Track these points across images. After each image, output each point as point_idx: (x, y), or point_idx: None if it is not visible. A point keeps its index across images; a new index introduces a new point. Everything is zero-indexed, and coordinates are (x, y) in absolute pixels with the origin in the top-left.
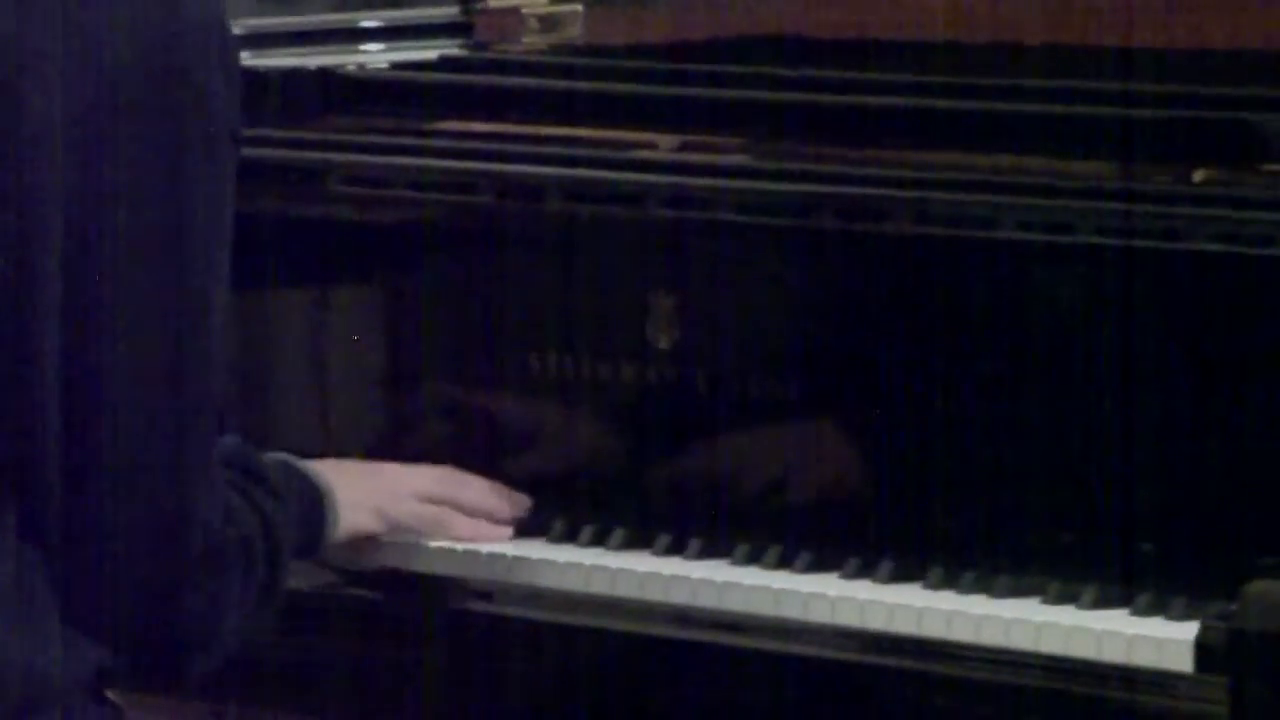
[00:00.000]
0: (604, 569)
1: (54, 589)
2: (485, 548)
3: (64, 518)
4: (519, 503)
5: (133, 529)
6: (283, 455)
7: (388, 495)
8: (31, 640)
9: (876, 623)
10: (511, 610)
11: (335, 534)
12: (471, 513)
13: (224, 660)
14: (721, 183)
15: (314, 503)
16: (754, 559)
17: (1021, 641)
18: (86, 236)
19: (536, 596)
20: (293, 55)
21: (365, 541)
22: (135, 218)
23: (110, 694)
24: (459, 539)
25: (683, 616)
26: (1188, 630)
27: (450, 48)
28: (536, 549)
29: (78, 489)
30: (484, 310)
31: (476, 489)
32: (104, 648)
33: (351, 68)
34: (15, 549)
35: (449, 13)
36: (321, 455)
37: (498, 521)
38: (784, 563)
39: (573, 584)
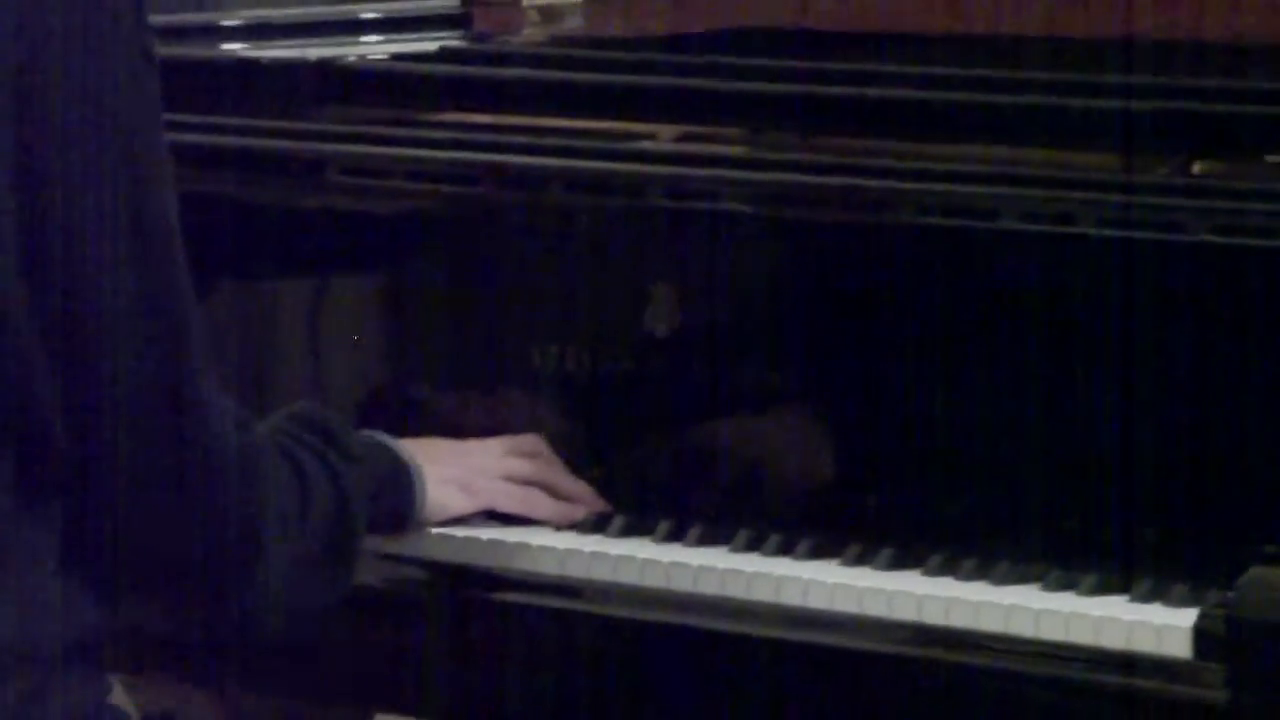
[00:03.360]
0: (604, 556)
1: (47, 549)
2: (485, 533)
3: (64, 461)
4: (589, 495)
5: (134, 450)
6: (370, 431)
7: (477, 473)
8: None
9: (876, 609)
10: (513, 598)
11: (422, 511)
12: (557, 493)
13: (294, 619)
14: (721, 173)
15: (398, 476)
16: (754, 546)
17: (1020, 628)
18: (35, 167)
19: (538, 583)
20: (292, 46)
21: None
22: (80, 143)
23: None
24: (545, 520)
25: (683, 603)
26: (1187, 617)
27: (450, 39)
28: (538, 535)
29: (74, 429)
30: (484, 301)
31: (560, 469)
32: (99, 612)
33: (351, 59)
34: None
35: (449, 4)
36: None
37: (579, 504)
38: (784, 550)
39: (574, 571)
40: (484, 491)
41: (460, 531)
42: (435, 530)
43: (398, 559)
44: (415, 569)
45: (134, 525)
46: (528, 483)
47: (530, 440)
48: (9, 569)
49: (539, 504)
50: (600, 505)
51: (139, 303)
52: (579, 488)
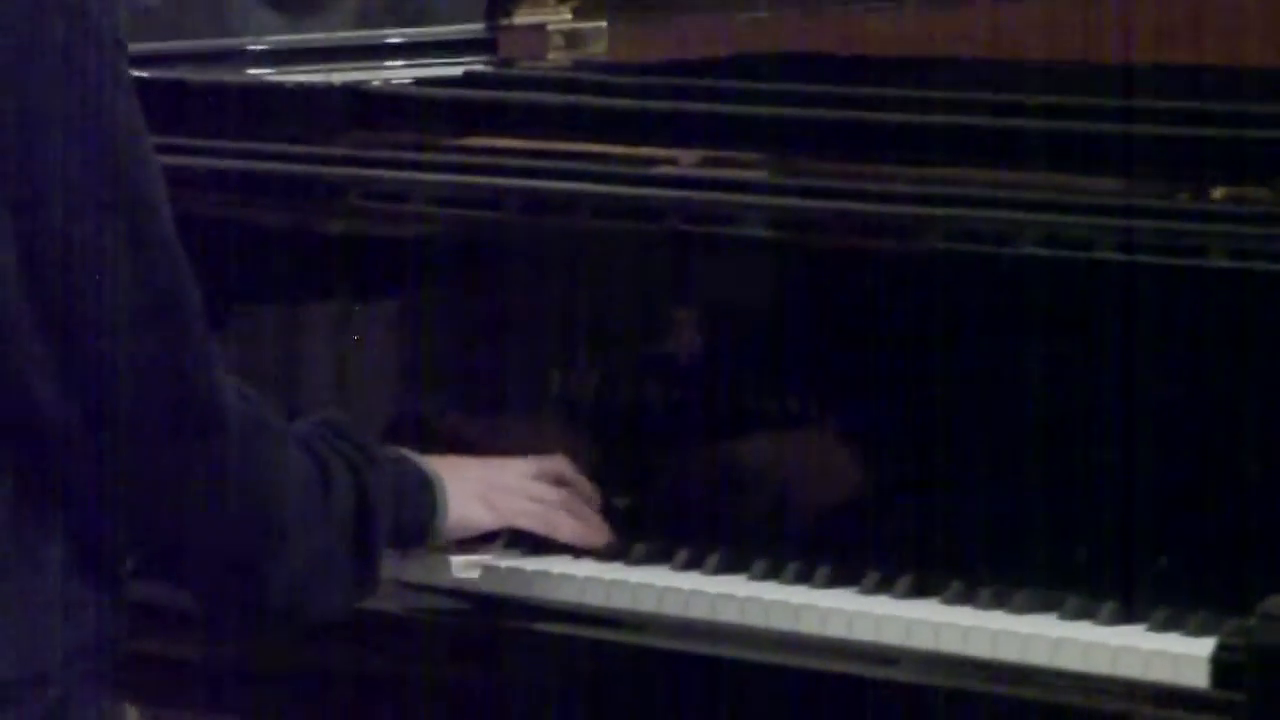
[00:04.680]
0: (624, 584)
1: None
2: (504, 561)
3: (70, 458)
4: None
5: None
6: (394, 447)
7: (499, 489)
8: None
9: (894, 637)
10: (533, 625)
11: (445, 522)
12: (579, 515)
13: (314, 617)
14: (744, 198)
15: (421, 487)
16: (772, 574)
17: (1039, 657)
18: (20, 169)
19: (557, 610)
20: (318, 71)
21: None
22: (59, 138)
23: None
24: (566, 540)
25: (702, 631)
26: (1204, 646)
27: (475, 64)
28: (557, 564)
29: (82, 419)
30: (505, 325)
31: (584, 493)
32: (110, 625)
33: (376, 84)
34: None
35: (474, 29)
36: None
37: (602, 529)
38: (802, 577)
39: (593, 599)
40: (507, 508)
41: (479, 559)
42: (454, 558)
43: (418, 587)
44: (434, 596)
45: (152, 504)
46: (551, 503)
47: (557, 462)
48: (11, 585)
49: (561, 525)
50: (622, 531)
51: (138, 292)
52: (599, 507)
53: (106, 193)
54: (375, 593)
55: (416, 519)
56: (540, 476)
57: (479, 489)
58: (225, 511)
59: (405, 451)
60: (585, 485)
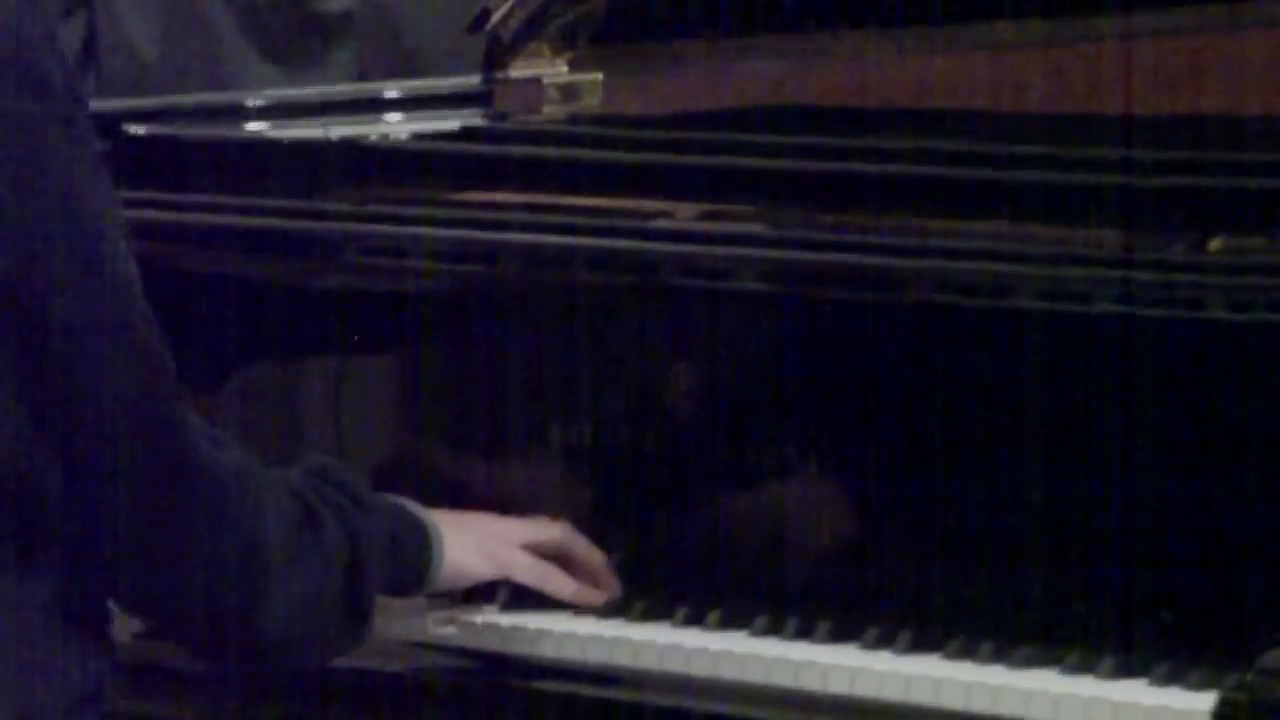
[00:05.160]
0: (625, 640)
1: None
2: (506, 619)
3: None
4: (611, 581)
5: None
6: (391, 495)
7: (497, 541)
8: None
9: (895, 694)
10: (534, 684)
11: (441, 571)
12: (578, 575)
13: (308, 661)
14: (740, 251)
15: (416, 536)
16: (773, 630)
17: (1040, 712)
18: None
19: (558, 668)
20: (314, 126)
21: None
22: (16, 208)
23: None
24: (563, 597)
25: (703, 688)
26: (1206, 701)
27: (471, 118)
28: (558, 621)
29: (65, 471)
30: (503, 380)
31: (588, 556)
32: (98, 666)
33: (373, 138)
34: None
35: (470, 83)
36: None
37: (600, 587)
38: (803, 633)
39: (595, 655)
40: (504, 559)
41: (480, 617)
42: (456, 615)
43: (420, 645)
44: (436, 654)
45: (132, 552)
46: (550, 558)
47: (559, 526)
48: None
49: (558, 580)
50: (620, 589)
51: (107, 345)
52: (601, 571)
53: (65, 256)
54: (369, 637)
55: (412, 566)
56: (540, 534)
57: (476, 539)
58: (204, 558)
59: (402, 500)
60: (586, 547)
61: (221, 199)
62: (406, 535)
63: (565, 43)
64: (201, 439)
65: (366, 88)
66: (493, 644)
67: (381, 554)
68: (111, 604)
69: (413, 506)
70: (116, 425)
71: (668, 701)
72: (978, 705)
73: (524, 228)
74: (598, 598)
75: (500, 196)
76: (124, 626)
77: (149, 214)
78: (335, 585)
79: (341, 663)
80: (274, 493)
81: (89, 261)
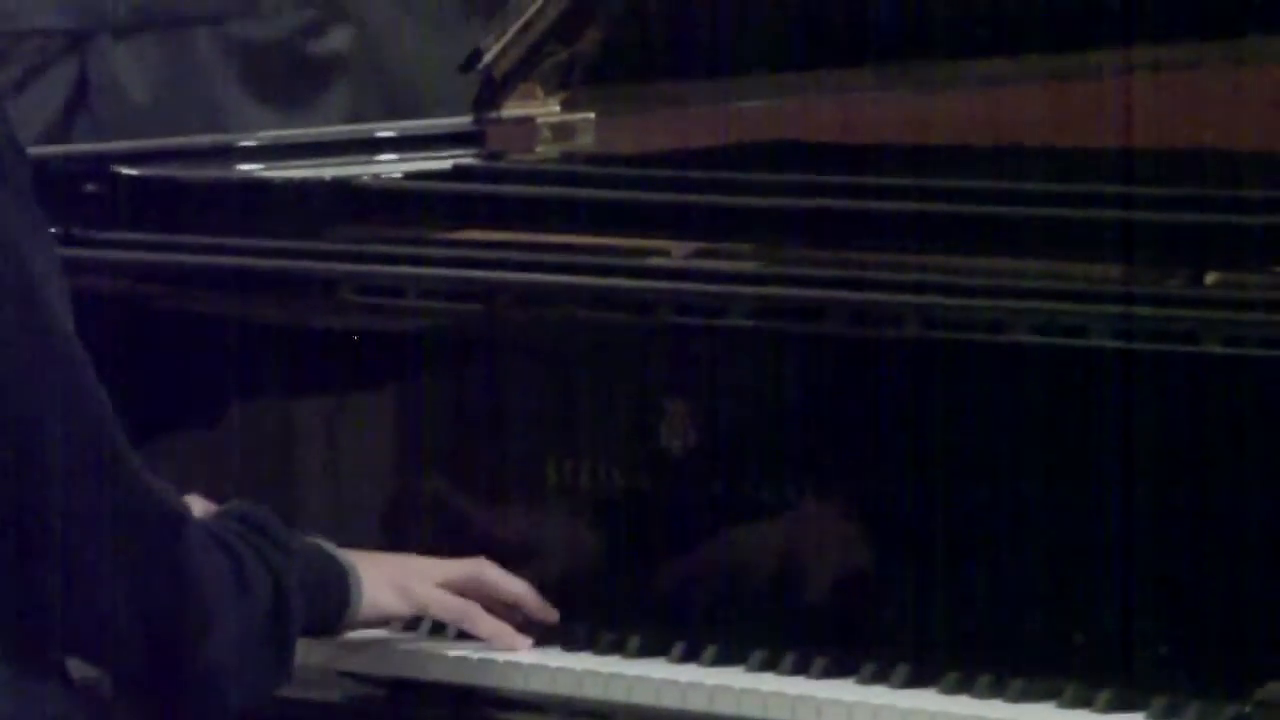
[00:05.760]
0: (621, 676)
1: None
2: (501, 655)
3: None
4: (547, 612)
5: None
6: (309, 538)
7: (415, 577)
8: None
9: None
10: (528, 718)
11: (359, 610)
12: (499, 613)
13: (233, 705)
14: (734, 289)
15: (335, 575)
16: (770, 665)
17: None
18: None
19: (554, 703)
20: (306, 166)
21: (374, 644)
22: None
23: None
24: (480, 634)
25: None
26: None
27: (463, 157)
28: (553, 656)
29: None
30: (498, 418)
31: (507, 588)
32: (56, 702)
33: (365, 178)
34: None
35: (462, 122)
36: None
37: (522, 626)
38: (800, 668)
39: (590, 691)
40: (420, 595)
41: (455, 651)
42: (450, 651)
43: (400, 681)
44: (427, 690)
45: (72, 592)
46: (470, 595)
47: (472, 561)
48: None
49: (476, 618)
50: (549, 618)
51: (43, 391)
52: (525, 604)
53: (24, 336)
54: (290, 681)
55: (333, 606)
56: (454, 571)
57: (392, 576)
58: (150, 593)
59: (320, 541)
60: (502, 577)
61: (214, 240)
62: (326, 578)
63: (558, 82)
64: (147, 474)
65: (359, 128)
66: (484, 679)
67: (302, 594)
68: None
69: (329, 547)
70: (52, 461)
71: None
72: None
73: (518, 266)
74: (518, 641)
75: (494, 235)
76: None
77: (141, 255)
78: (261, 625)
79: (303, 695)
80: (212, 557)
81: (15, 296)
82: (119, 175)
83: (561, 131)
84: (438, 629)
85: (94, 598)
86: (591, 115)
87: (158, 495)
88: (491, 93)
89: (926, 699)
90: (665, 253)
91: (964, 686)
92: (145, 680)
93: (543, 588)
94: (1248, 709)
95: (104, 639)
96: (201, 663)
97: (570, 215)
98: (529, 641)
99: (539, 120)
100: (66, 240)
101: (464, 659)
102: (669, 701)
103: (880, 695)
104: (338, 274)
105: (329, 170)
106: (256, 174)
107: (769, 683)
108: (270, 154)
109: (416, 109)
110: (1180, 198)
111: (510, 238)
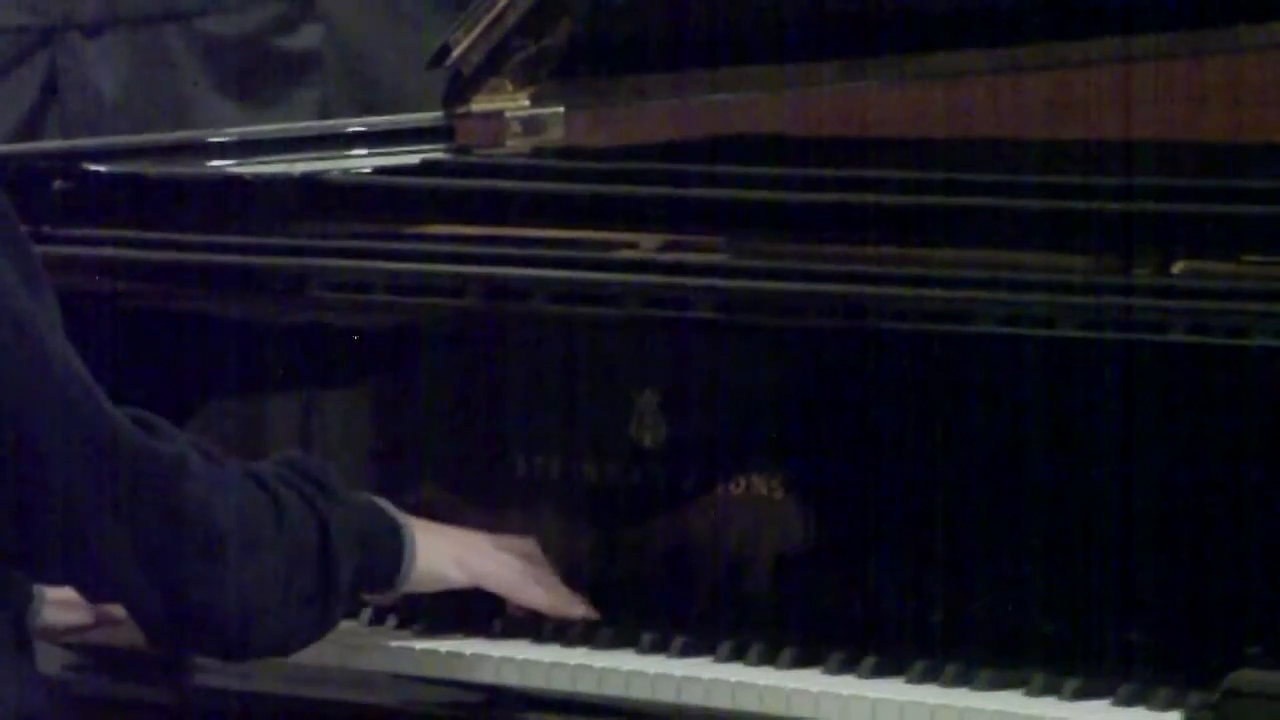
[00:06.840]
0: (589, 668)
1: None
2: (469, 648)
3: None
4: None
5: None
6: (366, 493)
7: (473, 551)
8: None
9: (860, 717)
10: (501, 712)
11: (414, 571)
12: (548, 585)
13: (271, 643)
14: (703, 281)
15: (390, 533)
16: (738, 655)
17: None
18: None
19: (523, 696)
20: (277, 161)
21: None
22: None
23: None
24: (536, 606)
25: (668, 714)
26: None
27: (433, 152)
28: (522, 649)
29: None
30: (468, 411)
31: (550, 572)
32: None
33: (334, 173)
34: None
35: (431, 117)
36: None
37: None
38: (768, 659)
39: (560, 683)
40: (477, 568)
41: (444, 646)
42: (417, 645)
43: (379, 674)
44: (403, 684)
45: (80, 533)
46: (520, 570)
47: (527, 541)
48: None
49: (529, 590)
50: (588, 613)
51: (41, 388)
52: (569, 593)
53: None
54: (334, 628)
55: (383, 562)
56: (510, 549)
57: (450, 546)
58: (146, 541)
59: (377, 499)
60: (546, 569)
61: (185, 236)
62: (380, 532)
63: (527, 77)
64: (132, 427)
65: (329, 124)
66: (457, 673)
67: (351, 545)
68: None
69: (387, 505)
70: (50, 421)
71: None
72: None
73: (488, 261)
74: (571, 609)
75: (464, 230)
76: (53, 659)
77: (112, 252)
78: (303, 572)
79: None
80: (232, 481)
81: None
82: (89, 172)
83: (531, 126)
84: (439, 629)
85: (94, 541)
86: (560, 109)
87: (141, 440)
88: (460, 87)
89: (893, 689)
90: (634, 246)
91: (931, 676)
92: (167, 629)
93: None
94: (1215, 696)
95: (110, 583)
96: (221, 608)
97: (539, 209)
98: (583, 608)
99: (508, 115)
100: (37, 238)
101: (433, 652)
102: (638, 693)
103: (848, 685)
104: (308, 269)
105: (299, 166)
106: (226, 170)
107: (737, 673)
108: (240, 150)
109: (386, 104)
110: (1148, 187)
111: (480, 232)
